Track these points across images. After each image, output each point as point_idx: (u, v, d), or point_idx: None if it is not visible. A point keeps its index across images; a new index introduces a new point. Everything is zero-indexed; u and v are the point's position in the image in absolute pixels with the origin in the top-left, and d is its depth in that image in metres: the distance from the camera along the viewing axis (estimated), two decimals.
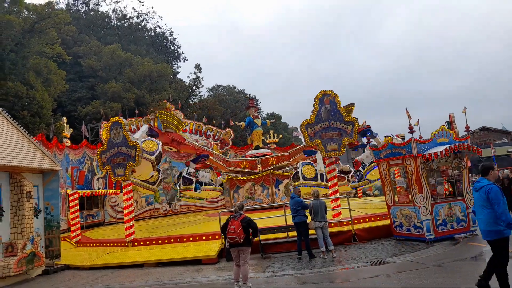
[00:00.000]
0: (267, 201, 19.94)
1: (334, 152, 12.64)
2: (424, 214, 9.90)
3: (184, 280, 8.67)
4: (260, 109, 54.40)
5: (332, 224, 11.63)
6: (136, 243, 12.97)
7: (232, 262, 7.77)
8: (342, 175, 20.04)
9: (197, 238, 12.31)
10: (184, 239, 12.49)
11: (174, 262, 10.52)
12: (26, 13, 25.00)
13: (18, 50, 23.10)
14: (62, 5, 42.48)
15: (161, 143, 15.43)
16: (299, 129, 14.15)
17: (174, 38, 51.27)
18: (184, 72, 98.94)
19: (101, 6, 47.41)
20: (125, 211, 13.56)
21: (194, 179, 18.61)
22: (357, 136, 13.33)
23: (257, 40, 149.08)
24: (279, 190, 20.21)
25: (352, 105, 14.07)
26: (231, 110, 44.41)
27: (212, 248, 10.94)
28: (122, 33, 45.07)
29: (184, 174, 19.09)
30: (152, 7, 79.53)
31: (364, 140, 17.36)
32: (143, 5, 74.94)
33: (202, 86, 44.52)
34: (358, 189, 22.93)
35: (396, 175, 11.61)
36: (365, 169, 17.10)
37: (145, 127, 15.93)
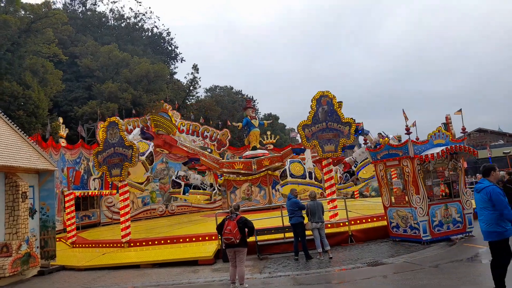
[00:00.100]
0: (264, 202, 19.94)
1: (331, 153, 12.66)
2: (420, 215, 9.92)
3: (180, 281, 8.65)
4: (258, 110, 54.36)
5: (329, 225, 11.64)
6: (132, 244, 12.93)
7: (229, 263, 7.75)
8: None
9: (194, 239, 12.28)
10: (181, 240, 12.46)
11: (170, 263, 10.48)
12: (23, 12, 24.85)
13: (14, 49, 22.97)
14: (59, 5, 42.25)
15: (152, 144, 15.38)
16: (296, 130, 14.13)
17: (172, 39, 51.19)
18: (181, 73, 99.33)
19: (98, 6, 46.95)
20: (122, 212, 13.53)
21: (182, 183, 18.82)
22: (354, 137, 13.33)
23: (254, 40, 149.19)
24: (276, 191, 20.21)
25: (339, 103, 13.99)
26: (228, 110, 44.36)
27: (208, 249, 10.91)
28: (119, 33, 44.92)
29: (173, 177, 19.30)
30: (150, 7, 79.28)
31: (361, 140, 17.31)
32: (140, 5, 74.78)
33: (199, 86, 44.48)
34: (355, 191, 22.96)
35: (393, 176, 11.63)
36: (357, 167, 16.55)
37: (137, 130, 15.85)
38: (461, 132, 11.29)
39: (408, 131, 10.45)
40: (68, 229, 15.15)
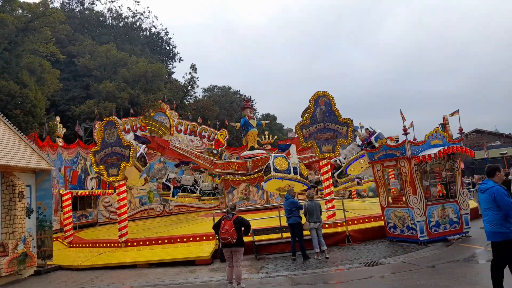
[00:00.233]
0: (262, 202, 19.92)
1: (328, 154, 12.67)
2: (417, 216, 9.94)
3: (177, 281, 8.64)
4: (256, 110, 54.39)
5: (326, 225, 11.65)
6: (129, 244, 12.90)
7: (226, 263, 7.75)
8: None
9: (191, 239, 12.27)
10: (178, 240, 12.45)
11: (167, 263, 10.46)
12: (20, 11, 24.76)
13: (11, 48, 22.89)
14: (57, 4, 42.11)
15: (144, 146, 15.33)
16: (294, 130, 14.07)
17: (170, 38, 51.15)
18: (179, 72, 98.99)
19: (96, 5, 47.01)
20: (119, 212, 13.49)
21: (171, 186, 19.25)
22: (352, 137, 13.35)
23: (253, 40, 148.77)
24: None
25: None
26: (226, 110, 44.34)
27: (206, 249, 10.91)
28: (117, 33, 44.83)
29: (164, 180, 19.58)
30: (148, 7, 79.10)
31: (358, 140, 17.26)
32: (138, 4, 74.52)
33: (197, 86, 44.31)
34: (352, 190, 23.00)
35: (390, 177, 11.66)
36: (345, 163, 15.98)
37: (131, 135, 15.66)
38: (458, 133, 11.34)
39: (405, 132, 10.48)
40: (65, 228, 15.10)
